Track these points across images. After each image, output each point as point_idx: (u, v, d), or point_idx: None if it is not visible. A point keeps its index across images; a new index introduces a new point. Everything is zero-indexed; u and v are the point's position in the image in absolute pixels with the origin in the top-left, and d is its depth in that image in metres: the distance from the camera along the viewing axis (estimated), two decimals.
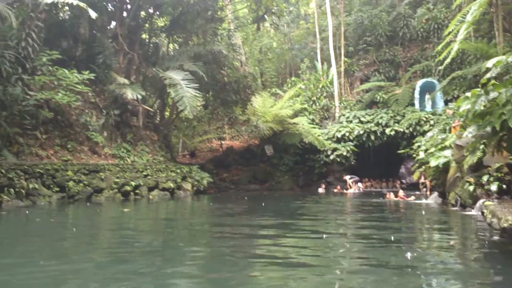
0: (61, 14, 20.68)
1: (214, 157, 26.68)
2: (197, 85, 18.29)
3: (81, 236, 7.74)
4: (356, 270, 4.89)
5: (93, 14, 15.16)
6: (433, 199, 14.17)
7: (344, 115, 23.97)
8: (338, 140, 22.60)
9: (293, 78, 28.86)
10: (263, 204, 13.57)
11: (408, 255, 5.33)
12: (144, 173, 17.45)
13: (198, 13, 22.36)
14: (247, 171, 24.33)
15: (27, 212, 10.98)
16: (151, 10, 23.11)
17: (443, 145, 13.99)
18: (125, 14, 21.29)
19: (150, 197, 16.38)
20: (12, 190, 12.31)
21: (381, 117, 22.38)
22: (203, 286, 4.42)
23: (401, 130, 21.45)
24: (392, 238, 6.80)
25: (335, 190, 21.28)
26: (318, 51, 28.14)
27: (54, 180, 14.03)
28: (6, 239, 7.17)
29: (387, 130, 21.75)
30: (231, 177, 24.15)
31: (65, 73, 15.88)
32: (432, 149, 14.36)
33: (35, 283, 4.33)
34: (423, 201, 14.67)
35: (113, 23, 21.43)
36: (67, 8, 19.83)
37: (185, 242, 6.99)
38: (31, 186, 12.97)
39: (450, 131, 15.89)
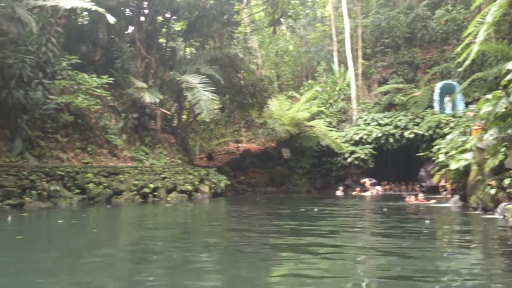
0: (80, 20, 21.01)
1: (231, 160, 26.72)
2: (213, 88, 18.39)
3: (102, 236, 7.84)
4: (377, 275, 4.83)
5: (111, 19, 15.32)
6: (453, 203, 13.94)
7: (361, 117, 23.80)
8: (356, 143, 22.45)
9: (309, 81, 28.80)
10: (281, 207, 13.54)
11: (435, 256, 5.25)
12: (162, 175, 17.58)
13: (215, 17, 22.48)
14: (264, 174, 24.33)
15: (51, 212, 11.17)
16: (168, 15, 23.32)
17: (463, 147, 13.78)
18: (142, 19, 21.53)
19: (168, 199, 16.51)
20: (34, 192, 12.55)
21: (400, 120, 22.16)
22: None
23: (421, 132, 21.19)
24: (409, 242, 6.70)
25: (354, 193, 21.13)
26: (335, 54, 28.03)
27: (74, 182, 14.25)
28: (30, 239, 7.28)
29: (406, 133, 21.52)
30: (248, 180, 24.17)
31: (85, 78, 16.14)
32: (453, 152, 14.15)
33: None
34: (444, 204, 14.45)
35: (131, 28, 21.70)
36: (85, 13, 20.13)
37: (200, 246, 6.99)
38: (52, 188, 13.19)
39: (470, 134, 15.64)
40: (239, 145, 29.18)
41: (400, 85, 24.80)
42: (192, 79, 18.41)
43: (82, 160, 15.78)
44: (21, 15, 13.68)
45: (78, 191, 14.10)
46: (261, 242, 6.85)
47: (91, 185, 14.49)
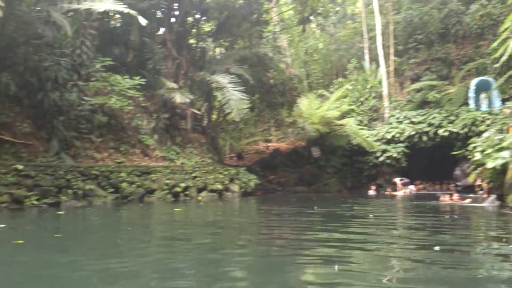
0: (113, 22, 21.46)
1: (260, 159, 26.74)
2: (243, 88, 18.42)
3: (136, 234, 7.99)
4: (410, 277, 4.72)
5: (143, 21, 15.55)
6: (490, 202, 13.49)
7: (394, 115, 23.36)
8: (388, 142, 22.05)
9: (340, 79, 28.49)
10: (314, 207, 13.43)
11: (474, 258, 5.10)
12: (193, 174, 17.76)
13: (244, 16, 22.52)
14: (294, 173, 24.22)
15: (86, 210, 11.47)
16: (198, 16, 23.52)
17: (500, 146, 13.31)
18: (173, 20, 21.80)
19: (199, 198, 16.67)
20: (70, 191, 12.92)
21: (434, 118, 21.63)
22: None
23: (455, 130, 20.61)
24: (443, 243, 6.52)
25: (386, 193, 20.77)
26: (366, 51, 27.62)
27: (108, 181, 14.58)
28: (68, 237, 7.49)
29: (440, 131, 20.98)
30: (278, 179, 24.12)
31: (118, 79, 16.49)
32: (489, 150, 13.69)
33: (91, 281, 4.49)
34: (479, 204, 14.02)
35: (162, 30, 22.01)
36: (118, 16, 20.54)
37: (232, 242, 7.03)
38: (87, 187, 13.54)
39: (508, 131, 15.11)
40: (269, 144, 29.17)
41: (434, 82, 24.20)
42: (222, 79, 18.52)
43: (116, 160, 16.12)
44: (56, 18, 14.09)
45: (112, 190, 14.41)
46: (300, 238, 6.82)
47: (124, 184, 14.78)
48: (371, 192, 21.03)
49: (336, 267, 4.72)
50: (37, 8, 15.31)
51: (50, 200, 12.30)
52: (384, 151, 21.71)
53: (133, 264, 5.28)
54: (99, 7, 14.43)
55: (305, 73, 33.49)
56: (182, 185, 16.54)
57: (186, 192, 16.56)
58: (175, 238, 7.50)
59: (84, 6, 14.29)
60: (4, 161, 12.76)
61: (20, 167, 12.30)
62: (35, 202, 11.98)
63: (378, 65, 25.88)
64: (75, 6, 14.83)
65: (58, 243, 6.71)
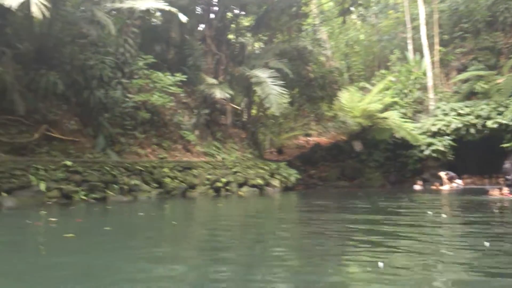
0: (154, 20, 21.81)
1: (301, 154, 26.54)
2: (282, 82, 18.30)
3: (181, 228, 8.14)
4: (463, 280, 4.49)
5: (183, 18, 15.72)
6: None
7: (439, 107, 22.54)
8: (433, 135, 21.31)
9: (382, 71, 27.77)
10: (356, 202, 13.19)
11: None
12: (234, 169, 17.84)
13: (283, 10, 22.36)
14: (335, 168, 23.89)
15: (133, 205, 11.75)
16: (237, 11, 23.54)
17: None
18: (212, 16, 21.93)
19: (240, 193, 16.74)
20: (116, 186, 13.27)
21: (482, 109, 20.72)
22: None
23: (505, 122, 19.68)
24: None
25: (433, 187, 20.09)
26: (409, 41, 26.77)
27: (152, 177, 14.86)
28: (118, 230, 7.69)
29: (489, 123, 20.09)
30: (319, 174, 23.87)
31: (159, 76, 16.77)
32: None
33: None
34: None
35: (202, 26, 22.18)
36: (159, 14, 20.85)
37: (274, 238, 6.98)
38: (132, 182, 13.86)
39: None
40: (309, 138, 28.91)
41: (482, 72, 23.15)
42: (261, 74, 18.46)
43: (158, 156, 16.43)
44: (100, 18, 14.46)
45: (155, 185, 14.69)
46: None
47: (167, 180, 15.03)
48: (417, 186, 20.41)
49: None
50: (81, 8, 15.78)
51: (97, 195, 12.68)
52: (430, 145, 21.00)
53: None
54: (141, 5, 14.69)
55: (346, 66, 32.87)
56: (223, 180, 16.67)
57: (227, 187, 16.67)
58: (213, 235, 7.56)
59: (126, 5, 14.60)
60: (53, 157, 13.26)
61: (69, 163, 12.73)
62: (83, 197, 12.37)
63: (422, 56, 25.03)
64: (118, 5, 15.20)
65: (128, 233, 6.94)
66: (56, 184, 12.24)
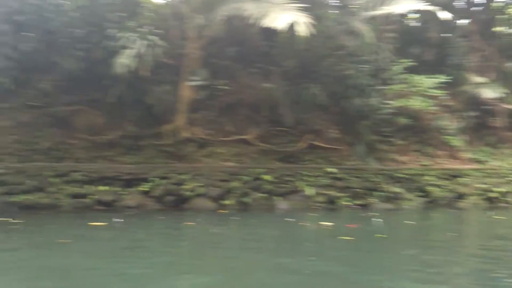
0: (410, 21, 20.93)
1: None
2: None
3: (453, 241, 7.34)
4: None
5: (444, 16, 14.56)
6: None
7: None
8: None
9: None
10: None
11: None
12: (509, 178, 15.45)
13: None
14: None
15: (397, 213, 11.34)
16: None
17: None
18: (474, 9, 19.73)
19: None
20: (377, 193, 13.13)
21: None
22: None
23: None
24: None
25: None
26: None
27: (413, 184, 14.16)
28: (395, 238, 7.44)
29: None
30: None
31: (418, 79, 15.91)
32: None
33: None
34: None
35: (460, 21, 20.17)
36: (416, 15, 19.92)
37: None
38: (394, 190, 13.48)
39: None
40: None
41: None
42: None
43: (420, 163, 15.57)
44: (357, 28, 14.70)
45: (419, 193, 13.90)
46: None
47: (431, 188, 14.05)
48: None
49: None
50: (339, 21, 16.35)
51: (360, 201, 12.79)
52: None
53: None
54: (399, 9, 14.31)
55: None
56: (497, 190, 14.59)
57: (504, 198, 14.47)
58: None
59: (384, 11, 14.42)
60: (317, 164, 14.05)
61: (333, 170, 13.26)
62: (346, 203, 12.65)
63: None
64: (374, 12, 15.16)
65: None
66: (321, 190, 12.89)
